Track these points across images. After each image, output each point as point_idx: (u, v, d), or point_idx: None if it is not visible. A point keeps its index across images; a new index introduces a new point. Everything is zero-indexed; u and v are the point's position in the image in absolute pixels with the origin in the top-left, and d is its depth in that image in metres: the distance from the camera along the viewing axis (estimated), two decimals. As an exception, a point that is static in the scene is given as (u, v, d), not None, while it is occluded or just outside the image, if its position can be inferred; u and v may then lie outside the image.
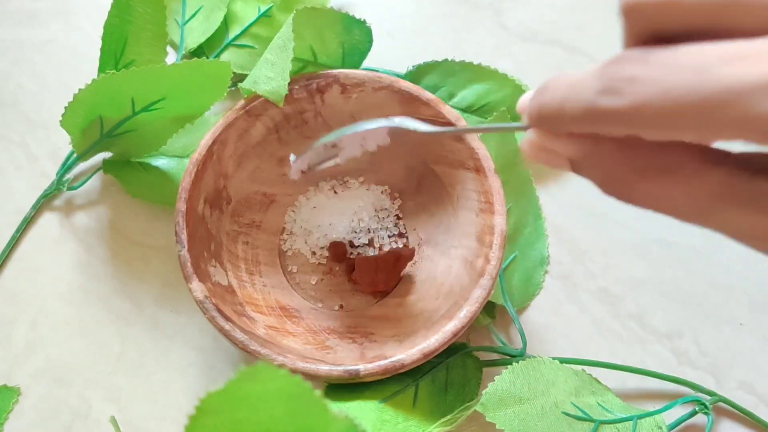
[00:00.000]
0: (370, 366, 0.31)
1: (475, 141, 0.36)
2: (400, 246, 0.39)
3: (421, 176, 0.39)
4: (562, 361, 0.34)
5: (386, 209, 0.40)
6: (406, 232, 0.40)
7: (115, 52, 0.38)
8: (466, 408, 0.32)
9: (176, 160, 0.41)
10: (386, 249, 0.39)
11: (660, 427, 0.32)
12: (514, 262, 0.38)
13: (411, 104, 0.37)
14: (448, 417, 0.32)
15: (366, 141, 0.30)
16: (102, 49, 0.38)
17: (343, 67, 0.41)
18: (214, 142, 0.36)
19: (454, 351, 0.35)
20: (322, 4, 0.43)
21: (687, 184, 0.18)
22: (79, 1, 0.50)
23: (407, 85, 0.37)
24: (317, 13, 0.39)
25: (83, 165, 0.42)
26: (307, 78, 0.38)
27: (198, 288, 0.32)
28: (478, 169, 0.35)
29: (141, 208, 0.41)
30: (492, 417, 0.29)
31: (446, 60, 0.43)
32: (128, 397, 0.36)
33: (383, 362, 0.31)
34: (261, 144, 0.39)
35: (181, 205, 0.34)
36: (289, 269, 0.39)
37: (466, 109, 0.43)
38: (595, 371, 0.34)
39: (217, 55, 0.44)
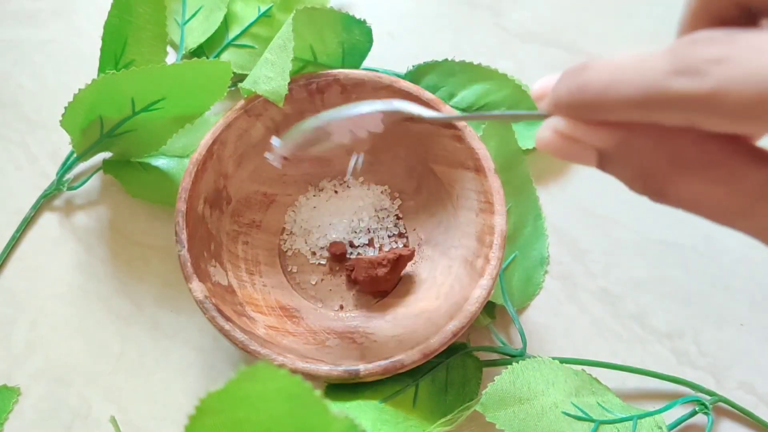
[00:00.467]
0: (370, 366, 0.31)
1: (475, 141, 0.36)
2: (400, 246, 0.39)
3: (421, 176, 0.39)
4: (562, 361, 0.34)
5: (386, 209, 0.40)
6: (406, 232, 0.40)
7: (115, 52, 0.38)
8: (466, 408, 0.32)
9: (176, 160, 0.41)
10: (386, 249, 0.39)
11: (660, 427, 0.32)
12: (514, 262, 0.38)
13: (411, 104, 0.37)
14: (448, 417, 0.32)
15: (357, 126, 0.28)
16: (102, 49, 0.38)
17: (343, 67, 0.41)
18: (214, 142, 0.36)
19: (454, 351, 0.35)
20: (322, 4, 0.43)
21: (728, 183, 0.17)
22: (79, 1, 0.50)
23: (407, 85, 0.37)
24: (317, 13, 0.39)
25: (83, 165, 0.42)
26: (307, 78, 0.38)
27: (198, 288, 0.32)
28: (478, 169, 0.35)
29: (141, 208, 0.41)
30: (492, 417, 0.29)
31: (446, 60, 0.43)
32: (128, 397, 0.36)
33: (383, 362, 0.31)
34: (261, 144, 0.39)
35: (181, 205, 0.34)
36: (289, 269, 0.39)
37: (466, 109, 0.43)
38: (595, 371, 0.34)
39: (217, 55, 0.44)
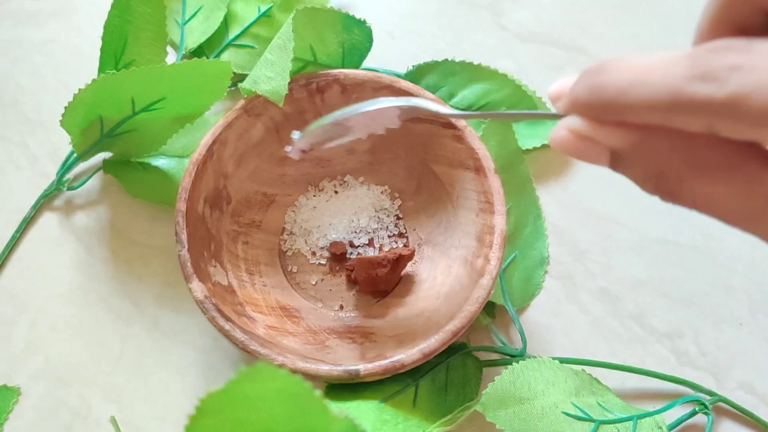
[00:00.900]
0: (370, 366, 0.31)
1: (475, 141, 0.36)
2: (400, 246, 0.39)
3: (421, 176, 0.39)
4: (562, 361, 0.34)
5: (386, 209, 0.40)
6: (406, 232, 0.40)
7: (115, 52, 0.38)
8: (466, 408, 0.32)
9: (176, 160, 0.41)
10: (386, 249, 0.39)
11: (660, 427, 0.32)
12: (514, 262, 0.38)
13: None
14: (448, 417, 0.32)
15: (375, 123, 0.29)
16: (102, 49, 0.38)
17: (343, 67, 0.41)
18: (214, 142, 0.36)
19: (454, 351, 0.35)
20: (322, 4, 0.43)
21: (744, 186, 0.17)
22: (79, 1, 0.50)
23: (407, 85, 0.37)
24: (317, 13, 0.39)
25: (83, 165, 0.42)
26: (307, 78, 0.38)
27: (198, 288, 0.32)
28: (478, 169, 0.35)
29: (141, 208, 0.41)
30: (492, 417, 0.29)
31: (446, 60, 0.43)
32: (128, 397, 0.36)
33: (383, 362, 0.31)
34: (261, 144, 0.39)
35: (181, 205, 0.34)
36: (289, 269, 0.39)
37: (466, 109, 0.43)
38: (595, 371, 0.34)
39: (217, 55, 0.44)
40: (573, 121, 0.20)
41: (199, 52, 0.44)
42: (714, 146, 0.17)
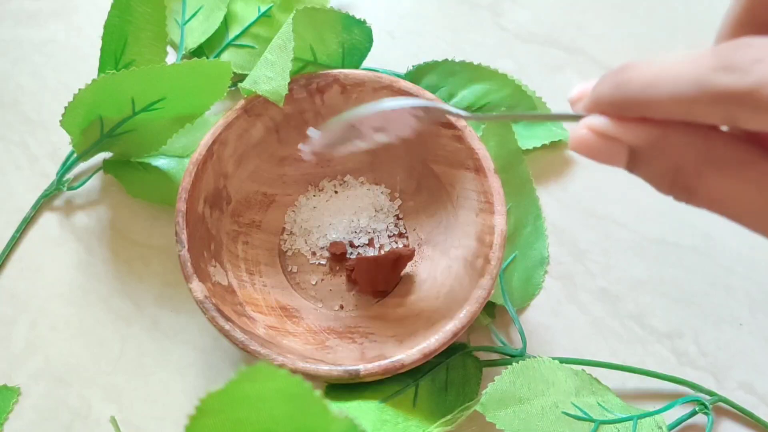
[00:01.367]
0: (370, 366, 0.31)
1: (475, 141, 0.36)
2: (400, 246, 0.39)
3: (421, 176, 0.39)
4: (562, 361, 0.34)
5: (386, 209, 0.40)
6: (406, 232, 0.40)
7: (115, 52, 0.38)
8: (466, 408, 0.32)
9: (176, 160, 0.41)
10: (386, 249, 0.39)
11: (660, 427, 0.32)
12: (514, 262, 0.38)
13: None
14: (448, 417, 0.32)
15: (390, 127, 0.29)
16: (102, 49, 0.38)
17: (343, 67, 0.41)
18: (214, 142, 0.36)
19: (454, 351, 0.35)
20: (322, 4, 0.43)
21: (758, 182, 0.18)
22: (79, 1, 0.50)
23: (407, 85, 0.37)
24: (317, 13, 0.39)
25: (83, 165, 0.42)
26: (307, 78, 0.38)
27: (198, 288, 0.32)
28: (478, 169, 0.35)
29: (141, 208, 0.41)
30: (492, 417, 0.29)
31: (446, 60, 0.43)
32: (128, 397, 0.36)
33: (383, 362, 0.31)
34: (261, 144, 0.39)
35: (181, 205, 0.34)
36: (289, 269, 0.39)
37: (465, 109, 0.43)
38: (595, 371, 0.34)
39: (217, 55, 0.44)
40: (594, 120, 0.20)
41: (199, 52, 0.44)
42: (730, 143, 0.18)
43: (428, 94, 0.37)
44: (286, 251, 0.39)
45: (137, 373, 0.37)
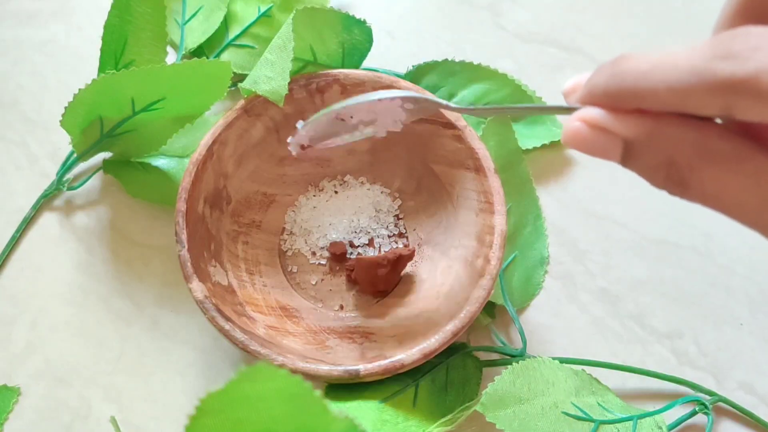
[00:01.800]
0: (370, 366, 0.31)
1: (475, 141, 0.36)
2: (400, 246, 0.39)
3: (421, 176, 0.39)
4: (562, 361, 0.34)
5: (386, 209, 0.40)
6: (406, 232, 0.40)
7: (115, 52, 0.38)
8: (466, 408, 0.32)
9: (176, 160, 0.41)
10: (386, 249, 0.39)
11: (660, 427, 0.32)
12: (514, 262, 0.38)
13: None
14: (448, 417, 0.32)
15: (378, 120, 0.28)
16: (102, 49, 0.38)
17: (343, 67, 0.41)
18: (214, 142, 0.36)
19: (454, 351, 0.35)
20: (322, 4, 0.43)
21: (752, 176, 0.17)
22: (79, 1, 0.50)
23: (407, 85, 0.37)
24: (317, 13, 0.39)
25: (83, 165, 0.42)
26: (307, 78, 0.38)
27: (198, 288, 0.32)
28: (478, 169, 0.35)
29: (141, 208, 0.41)
30: (492, 417, 0.29)
31: (446, 60, 0.43)
32: (128, 397, 0.36)
33: (383, 362, 0.31)
34: (261, 144, 0.39)
35: (181, 205, 0.34)
36: (289, 269, 0.39)
37: (466, 109, 0.43)
38: (595, 371, 0.34)
39: (217, 55, 0.44)
40: (588, 112, 0.20)
41: (199, 52, 0.44)
42: (724, 136, 0.18)
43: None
44: (286, 251, 0.39)
45: (137, 373, 0.37)
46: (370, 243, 0.39)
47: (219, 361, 0.37)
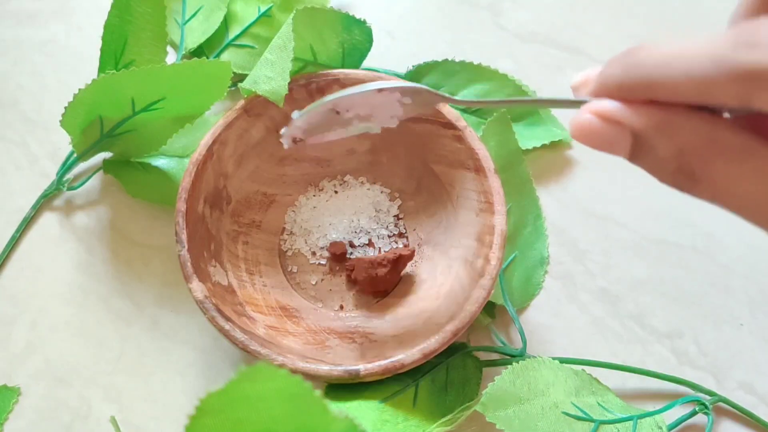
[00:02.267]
0: (370, 366, 0.31)
1: (475, 141, 0.36)
2: (400, 246, 0.39)
3: (421, 176, 0.39)
4: (562, 361, 0.34)
5: (386, 209, 0.40)
6: (406, 232, 0.40)
7: (115, 52, 0.38)
8: (466, 408, 0.32)
9: (176, 160, 0.41)
10: (386, 249, 0.39)
11: (660, 427, 0.32)
12: (514, 262, 0.38)
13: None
14: (448, 417, 0.32)
15: (375, 117, 0.28)
16: (102, 49, 0.38)
17: (343, 67, 0.41)
18: (214, 142, 0.36)
19: (454, 351, 0.35)
20: (322, 4, 0.43)
21: (762, 170, 0.17)
22: (79, 1, 0.50)
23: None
24: (317, 12, 0.39)
25: (83, 165, 0.42)
26: (307, 78, 0.38)
27: (198, 288, 0.32)
28: (478, 169, 0.35)
29: (141, 208, 0.41)
30: (492, 417, 0.29)
31: (446, 60, 0.43)
32: (128, 397, 0.36)
33: (383, 362, 0.31)
34: (261, 144, 0.39)
35: (181, 205, 0.34)
36: (289, 269, 0.39)
37: (465, 109, 0.43)
38: (595, 371, 0.34)
39: (217, 55, 0.44)
40: (599, 103, 0.20)
41: (199, 52, 0.44)
42: (735, 130, 0.18)
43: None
44: (286, 251, 0.39)
45: (137, 373, 0.37)
46: (370, 243, 0.39)
47: (219, 361, 0.37)
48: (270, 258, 0.39)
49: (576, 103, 0.21)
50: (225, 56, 0.44)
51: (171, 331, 0.38)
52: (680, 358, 0.38)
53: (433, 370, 0.34)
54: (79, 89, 0.34)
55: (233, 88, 0.42)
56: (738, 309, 0.39)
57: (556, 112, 0.44)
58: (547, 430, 0.30)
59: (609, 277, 0.40)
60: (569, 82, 0.22)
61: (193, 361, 0.37)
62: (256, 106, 0.37)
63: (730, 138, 0.18)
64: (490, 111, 0.43)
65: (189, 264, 0.32)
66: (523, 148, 0.41)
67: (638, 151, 0.20)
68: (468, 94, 0.43)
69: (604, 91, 0.20)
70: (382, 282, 0.36)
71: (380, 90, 0.27)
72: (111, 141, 0.39)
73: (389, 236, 0.40)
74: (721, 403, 0.36)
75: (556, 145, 0.43)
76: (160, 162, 0.41)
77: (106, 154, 0.41)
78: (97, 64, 0.38)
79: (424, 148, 0.38)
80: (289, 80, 0.36)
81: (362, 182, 0.41)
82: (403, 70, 0.44)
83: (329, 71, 0.38)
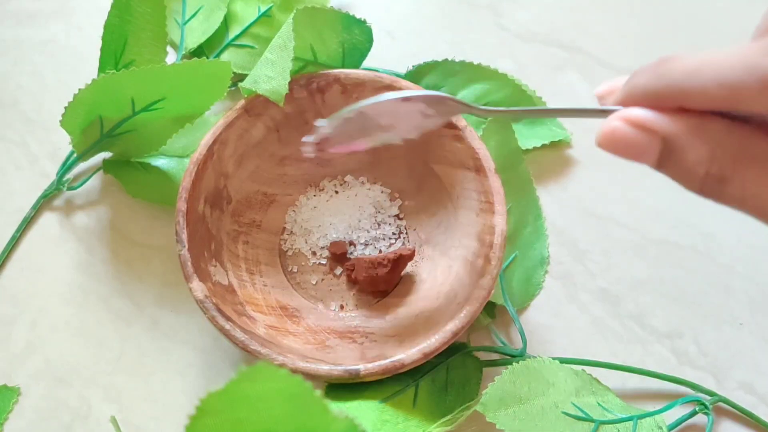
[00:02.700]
0: (370, 366, 0.31)
1: (475, 141, 0.36)
2: (400, 246, 0.39)
3: (421, 176, 0.39)
4: (562, 361, 0.34)
5: (386, 209, 0.40)
6: (406, 232, 0.40)
7: (115, 52, 0.38)
8: (466, 408, 0.32)
9: (176, 160, 0.41)
10: (386, 249, 0.39)
11: (660, 427, 0.32)
12: (514, 262, 0.38)
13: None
14: (448, 417, 0.32)
15: (397, 128, 0.28)
16: (102, 49, 0.38)
17: (343, 66, 0.41)
18: (214, 142, 0.36)
19: (454, 351, 0.35)
20: (322, 4, 0.43)
21: None
22: (79, 1, 0.50)
23: (407, 85, 0.37)
24: (317, 12, 0.39)
25: (83, 165, 0.42)
26: (307, 78, 0.38)
27: (198, 288, 0.32)
28: (478, 169, 0.35)
29: (141, 208, 0.41)
30: (492, 417, 0.29)
31: (446, 60, 0.43)
32: (128, 397, 0.36)
33: (383, 362, 0.31)
34: (261, 144, 0.39)
35: (182, 205, 0.34)
36: (289, 269, 0.39)
37: (466, 109, 0.43)
38: (595, 371, 0.34)
39: (217, 55, 0.44)
40: (630, 111, 0.20)
41: (199, 52, 0.44)
42: (764, 138, 0.18)
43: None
44: (287, 251, 0.39)
45: (137, 373, 0.37)
46: (370, 243, 0.39)
47: (219, 361, 0.37)
48: (270, 258, 0.39)
49: (602, 113, 0.21)
50: (225, 56, 0.44)
51: (171, 331, 0.38)
52: (680, 358, 0.38)
53: (433, 370, 0.34)
54: (79, 89, 0.34)
55: (233, 88, 0.42)
56: (738, 309, 0.39)
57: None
58: (547, 430, 0.30)
59: (609, 277, 0.40)
60: (594, 92, 0.23)
61: (193, 361, 0.37)
62: (257, 105, 0.37)
63: (758, 143, 0.18)
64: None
65: (189, 264, 0.32)
66: (523, 148, 0.41)
67: (667, 158, 0.20)
68: (468, 94, 0.43)
69: (632, 99, 0.20)
70: (383, 282, 0.36)
71: (405, 99, 0.27)
72: (111, 141, 0.39)
73: (389, 236, 0.40)
74: (721, 403, 0.36)
75: (556, 145, 0.43)
76: (160, 162, 0.41)
77: (106, 154, 0.41)
78: (97, 64, 0.38)
79: (424, 148, 0.38)
80: (289, 80, 0.36)
81: (363, 182, 0.41)
82: (403, 70, 0.44)
83: (329, 71, 0.38)
